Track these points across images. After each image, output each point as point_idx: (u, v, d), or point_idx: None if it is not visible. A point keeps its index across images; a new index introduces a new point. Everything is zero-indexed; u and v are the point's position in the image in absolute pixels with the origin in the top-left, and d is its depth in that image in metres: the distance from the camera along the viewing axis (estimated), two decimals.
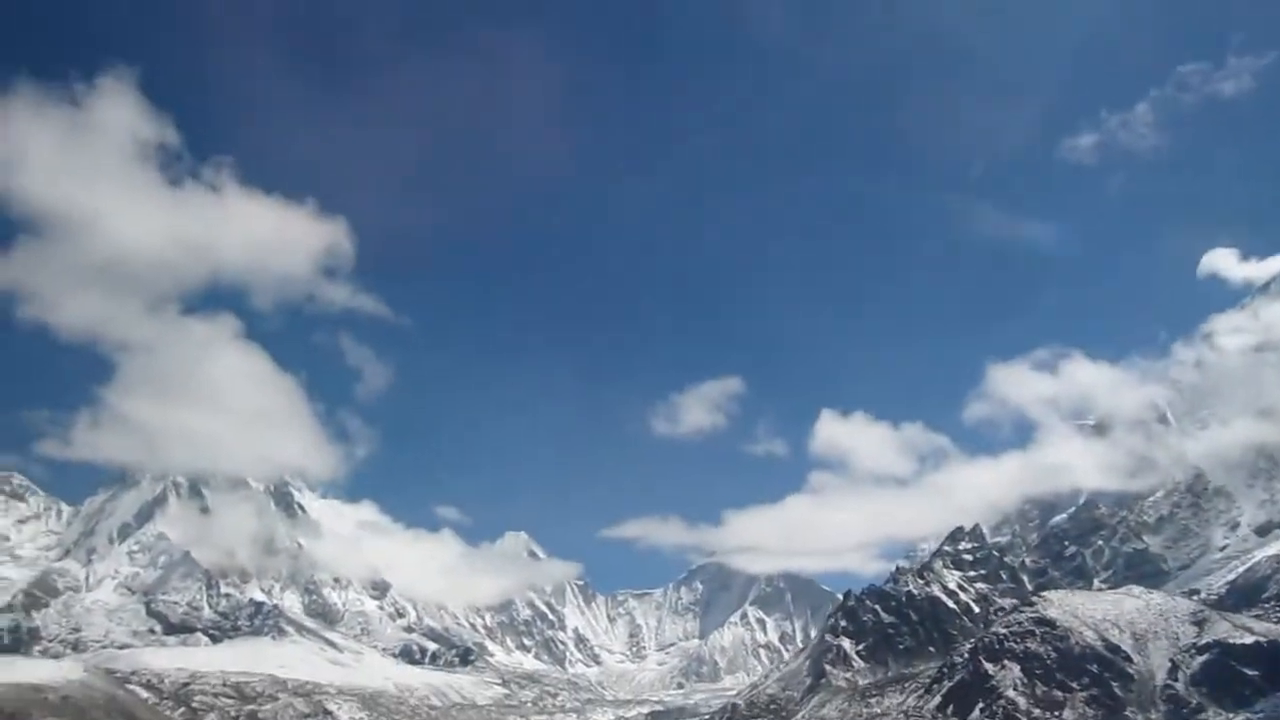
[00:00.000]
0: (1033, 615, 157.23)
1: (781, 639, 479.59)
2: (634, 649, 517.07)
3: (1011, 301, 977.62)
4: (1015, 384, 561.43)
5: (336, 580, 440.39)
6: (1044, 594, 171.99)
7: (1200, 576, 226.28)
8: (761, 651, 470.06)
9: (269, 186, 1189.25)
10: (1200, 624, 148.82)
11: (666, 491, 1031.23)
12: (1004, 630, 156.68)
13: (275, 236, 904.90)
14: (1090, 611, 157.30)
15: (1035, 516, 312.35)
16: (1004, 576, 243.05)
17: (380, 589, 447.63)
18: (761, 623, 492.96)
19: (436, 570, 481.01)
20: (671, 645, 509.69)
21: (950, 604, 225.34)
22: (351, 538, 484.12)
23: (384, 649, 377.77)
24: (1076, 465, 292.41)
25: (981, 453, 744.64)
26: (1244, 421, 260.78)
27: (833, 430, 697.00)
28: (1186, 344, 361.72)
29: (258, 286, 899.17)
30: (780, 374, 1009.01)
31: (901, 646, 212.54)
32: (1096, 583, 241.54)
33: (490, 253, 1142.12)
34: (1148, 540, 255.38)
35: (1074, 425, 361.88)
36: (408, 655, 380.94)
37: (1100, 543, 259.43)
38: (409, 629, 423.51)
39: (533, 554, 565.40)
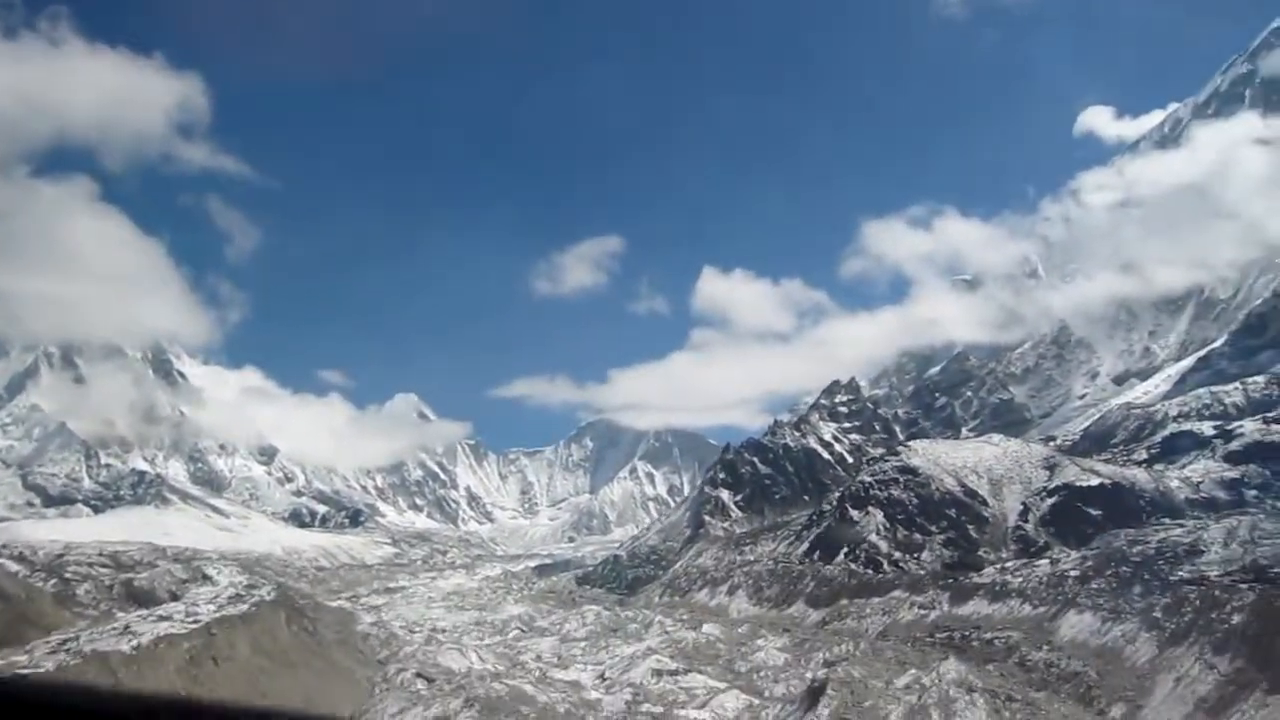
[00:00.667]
0: (897, 464, 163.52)
1: (670, 492, 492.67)
2: (526, 506, 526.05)
3: (886, 158, 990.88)
4: (891, 240, 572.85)
5: (222, 447, 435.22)
6: (909, 444, 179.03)
7: (1060, 424, 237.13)
8: (650, 504, 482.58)
9: (112, 38, 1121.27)
10: (1051, 469, 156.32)
11: (552, 351, 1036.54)
12: (869, 479, 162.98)
13: (123, 93, 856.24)
14: (952, 459, 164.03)
15: (912, 370, 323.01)
16: (877, 428, 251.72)
17: (268, 454, 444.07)
18: (650, 477, 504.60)
19: (325, 434, 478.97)
20: (563, 501, 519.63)
21: (825, 455, 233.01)
22: (236, 404, 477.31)
23: (273, 513, 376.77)
24: (950, 319, 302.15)
25: (859, 308, 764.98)
26: (1107, 275, 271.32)
27: (714, 287, 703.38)
28: (1054, 200, 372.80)
29: (108, 146, 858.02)
30: (660, 232, 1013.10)
31: (778, 496, 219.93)
32: (965, 431, 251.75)
33: (362, 111, 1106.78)
34: (1014, 390, 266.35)
35: (948, 280, 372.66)
36: (297, 519, 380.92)
37: (969, 394, 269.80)
38: (298, 493, 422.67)
39: (423, 415, 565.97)
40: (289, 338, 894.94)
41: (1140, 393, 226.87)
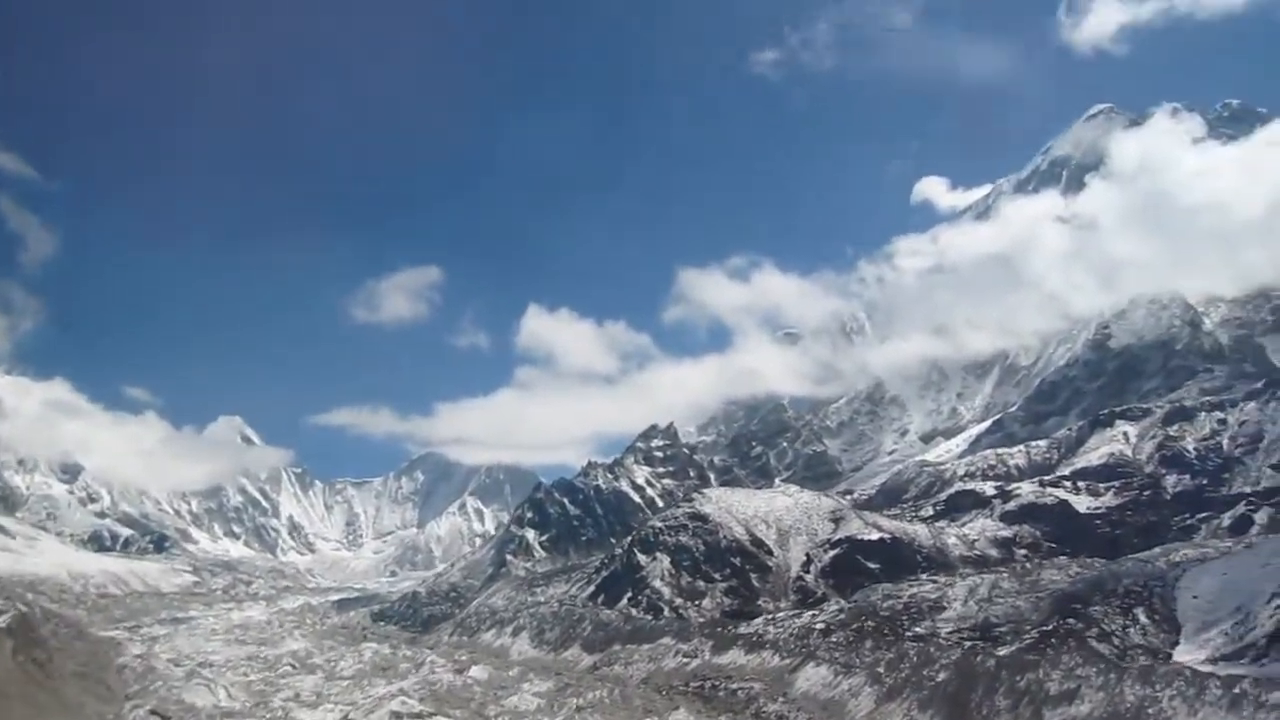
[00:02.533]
0: (689, 510, 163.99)
1: (498, 528, 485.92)
2: (350, 538, 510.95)
3: (706, 209, 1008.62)
4: (711, 290, 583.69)
5: (20, 462, 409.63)
6: (703, 491, 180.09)
7: (868, 478, 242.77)
8: (478, 540, 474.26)
9: None
10: (837, 521, 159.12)
11: (372, 380, 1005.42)
12: (660, 524, 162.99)
13: None
14: (744, 508, 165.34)
15: (740, 418, 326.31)
16: (692, 474, 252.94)
17: (71, 472, 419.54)
18: (479, 513, 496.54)
19: (137, 453, 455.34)
20: (389, 534, 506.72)
21: (636, 498, 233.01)
22: (38, 417, 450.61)
23: (70, 535, 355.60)
24: (771, 371, 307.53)
25: (683, 354, 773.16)
26: (920, 337, 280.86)
27: (538, 325, 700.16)
28: (872, 262, 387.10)
29: None
30: (481, 266, 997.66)
31: (584, 538, 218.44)
32: (778, 481, 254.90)
33: (157, 113, 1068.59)
34: (827, 443, 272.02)
35: (768, 332, 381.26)
36: (97, 542, 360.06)
37: (785, 444, 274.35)
38: (101, 514, 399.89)
39: (246, 439, 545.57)
40: (99, 351, 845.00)
41: (943, 451, 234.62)
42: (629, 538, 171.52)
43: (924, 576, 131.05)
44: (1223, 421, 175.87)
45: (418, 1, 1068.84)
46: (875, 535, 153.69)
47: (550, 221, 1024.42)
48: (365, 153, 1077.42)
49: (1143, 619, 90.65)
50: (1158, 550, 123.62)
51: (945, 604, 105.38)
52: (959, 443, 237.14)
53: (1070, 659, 76.24)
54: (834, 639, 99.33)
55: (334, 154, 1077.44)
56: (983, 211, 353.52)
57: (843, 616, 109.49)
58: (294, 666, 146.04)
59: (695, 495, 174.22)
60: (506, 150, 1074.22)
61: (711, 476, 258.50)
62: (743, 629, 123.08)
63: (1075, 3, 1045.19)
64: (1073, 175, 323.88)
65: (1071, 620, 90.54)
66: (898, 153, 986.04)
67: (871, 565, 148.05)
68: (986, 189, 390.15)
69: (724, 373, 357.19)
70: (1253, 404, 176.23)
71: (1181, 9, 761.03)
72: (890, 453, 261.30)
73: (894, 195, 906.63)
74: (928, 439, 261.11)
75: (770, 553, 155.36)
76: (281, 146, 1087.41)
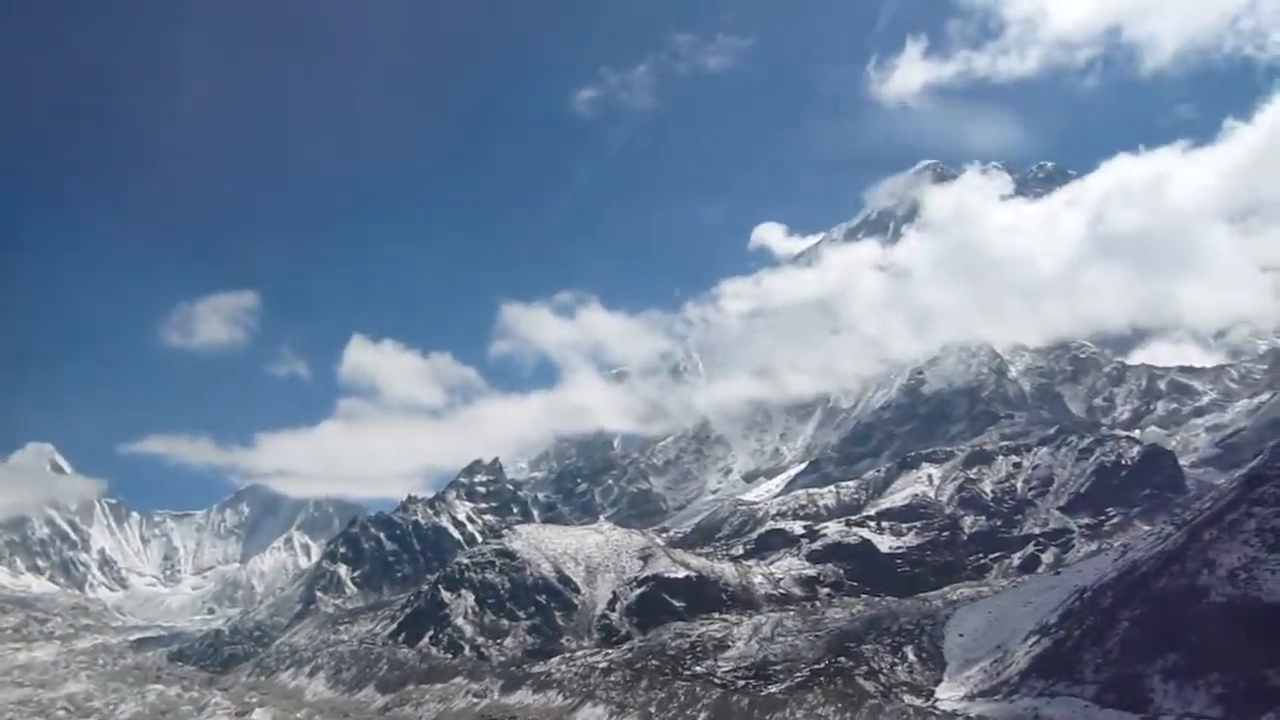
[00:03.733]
0: (497, 547, 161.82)
1: None
2: (168, 572, 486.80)
3: (532, 244, 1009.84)
4: (537, 325, 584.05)
5: None
6: (514, 527, 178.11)
7: (691, 517, 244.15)
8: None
9: None
10: (646, 559, 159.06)
11: (190, 408, 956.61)
12: (467, 560, 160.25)
13: None
14: (554, 545, 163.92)
15: (573, 454, 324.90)
16: (515, 510, 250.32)
17: None
18: (306, 548, 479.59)
19: None
20: (209, 569, 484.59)
21: (456, 535, 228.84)
22: None
23: None
24: (599, 408, 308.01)
25: (511, 389, 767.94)
26: (746, 378, 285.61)
27: (362, 356, 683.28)
28: (697, 304, 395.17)
29: None
30: (300, 293, 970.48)
31: (400, 574, 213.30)
32: (602, 518, 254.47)
33: None
34: (653, 481, 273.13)
35: (596, 369, 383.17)
36: None
37: (611, 482, 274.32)
38: None
39: (57, 468, 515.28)
40: None
41: (763, 491, 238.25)
42: (435, 575, 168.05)
43: (716, 615, 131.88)
44: (1018, 465, 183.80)
45: (240, 18, 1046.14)
46: (682, 573, 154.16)
47: (374, 250, 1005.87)
48: (180, 171, 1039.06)
49: (911, 657, 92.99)
50: (946, 589, 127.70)
51: (730, 643, 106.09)
52: (779, 483, 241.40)
53: (815, 698, 77.34)
54: (613, 679, 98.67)
55: (146, 171, 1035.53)
56: (814, 259, 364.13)
57: (629, 655, 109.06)
58: (68, 711, 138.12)
59: (506, 532, 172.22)
60: (329, 177, 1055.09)
61: (535, 513, 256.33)
62: (536, 668, 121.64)
63: (884, 59, 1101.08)
64: (893, 225, 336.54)
65: (843, 659, 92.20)
66: (724, 197, 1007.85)
67: (676, 603, 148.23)
68: (820, 236, 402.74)
69: (553, 409, 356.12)
70: (1045, 449, 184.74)
71: (979, 71, 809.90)
72: (714, 491, 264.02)
73: (731, 239, 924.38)
74: (750, 478, 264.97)
75: (577, 590, 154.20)
76: (92, 162, 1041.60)
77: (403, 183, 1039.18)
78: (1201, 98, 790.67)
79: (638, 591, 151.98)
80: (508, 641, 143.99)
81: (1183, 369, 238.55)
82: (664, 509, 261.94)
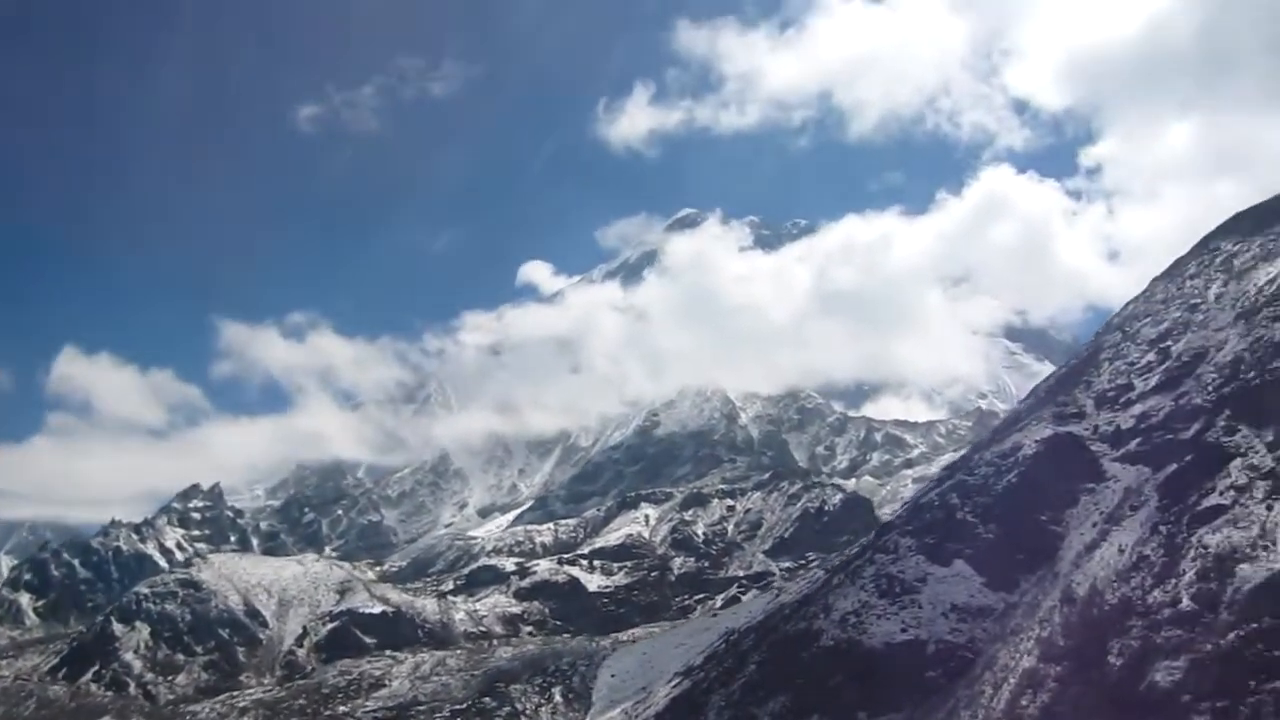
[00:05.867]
0: (182, 576, 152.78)
1: None
2: None
3: (257, 262, 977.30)
4: (263, 345, 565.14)
5: None
6: (208, 556, 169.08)
7: (421, 551, 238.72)
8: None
9: None
10: (343, 593, 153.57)
11: None
12: (146, 590, 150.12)
13: None
14: (248, 576, 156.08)
15: (313, 482, 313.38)
16: (233, 539, 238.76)
17: None
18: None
19: None
20: None
21: (163, 563, 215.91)
22: None
23: None
24: (335, 436, 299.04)
25: (240, 412, 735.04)
26: (487, 413, 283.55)
27: (74, 369, 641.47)
28: (437, 335, 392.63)
29: None
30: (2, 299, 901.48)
31: (91, 604, 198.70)
32: (328, 550, 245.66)
33: None
34: (385, 513, 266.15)
35: (332, 396, 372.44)
36: None
37: (340, 513, 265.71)
38: None
39: None
40: None
41: (494, 526, 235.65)
42: (109, 606, 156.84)
43: (387, 652, 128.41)
44: (731, 508, 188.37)
45: None
46: (379, 609, 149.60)
47: (87, 259, 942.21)
48: None
49: (558, 697, 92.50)
50: (634, 630, 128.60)
51: (387, 681, 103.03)
52: (511, 519, 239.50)
53: None
54: (249, 718, 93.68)
55: None
56: (558, 297, 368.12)
57: (281, 695, 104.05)
58: None
59: (196, 560, 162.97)
60: (37, 182, 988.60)
61: (255, 543, 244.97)
62: (198, 707, 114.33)
63: (613, 101, 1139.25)
64: (633, 269, 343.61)
65: (489, 699, 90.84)
66: (463, 227, 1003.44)
67: (368, 639, 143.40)
68: (578, 277, 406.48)
69: (286, 435, 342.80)
70: (758, 494, 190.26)
71: (700, 121, 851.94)
72: (447, 526, 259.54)
73: (474, 271, 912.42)
74: (486, 514, 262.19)
75: (265, 624, 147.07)
76: None
77: (119, 188, 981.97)
78: (909, 167, 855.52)
79: (329, 626, 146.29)
80: (180, 679, 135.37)
81: (898, 423, 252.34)
82: (394, 542, 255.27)
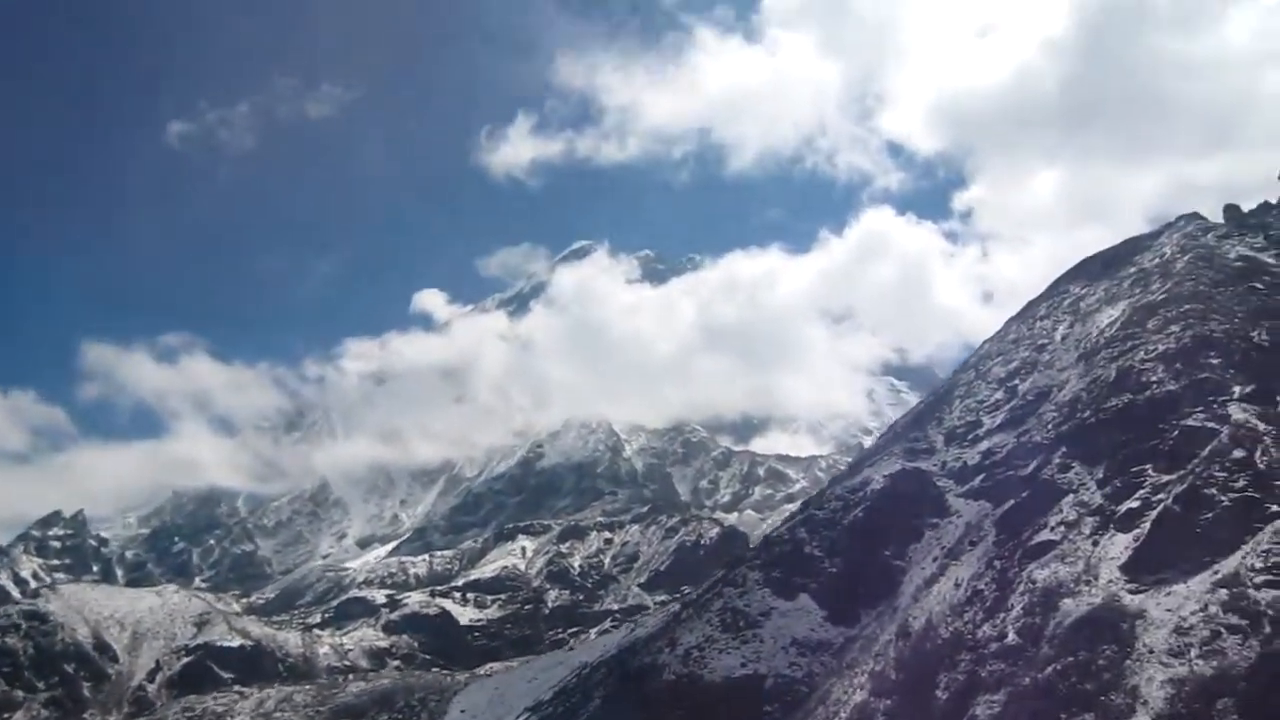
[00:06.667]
0: (27, 608, 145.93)
1: None
2: None
3: (124, 282, 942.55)
4: (133, 369, 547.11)
5: None
6: (58, 587, 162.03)
7: (297, 582, 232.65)
8: None
9: None
10: (202, 625, 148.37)
11: None
12: None
13: None
14: (100, 608, 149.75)
15: (192, 508, 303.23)
16: (95, 569, 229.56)
17: None
18: None
19: None
20: None
21: (16, 593, 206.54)
22: None
23: None
24: (211, 462, 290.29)
25: (109, 436, 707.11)
26: (369, 441, 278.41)
27: None
28: (317, 362, 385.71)
29: None
30: None
31: None
32: (198, 580, 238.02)
33: None
34: (261, 543, 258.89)
35: (206, 421, 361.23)
36: None
37: (213, 542, 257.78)
38: None
39: None
40: None
41: (372, 557, 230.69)
42: None
43: (235, 688, 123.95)
44: (609, 541, 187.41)
45: None
46: (238, 642, 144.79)
47: None
48: None
49: None
50: (497, 664, 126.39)
51: (230, 717, 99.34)
52: (391, 549, 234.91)
53: None
54: None
55: None
56: (444, 327, 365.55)
57: None
58: None
59: (44, 591, 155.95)
60: None
61: (120, 573, 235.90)
62: None
63: (496, 129, 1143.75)
64: (523, 299, 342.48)
65: None
66: (344, 252, 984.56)
67: (225, 674, 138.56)
68: (471, 307, 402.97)
69: (160, 461, 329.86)
70: (637, 527, 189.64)
71: (581, 152, 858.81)
72: (325, 556, 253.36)
73: (358, 297, 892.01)
74: (365, 544, 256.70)
75: (115, 659, 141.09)
76: None
77: None
78: (790, 205, 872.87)
79: (184, 661, 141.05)
80: (19, 716, 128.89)
81: (780, 457, 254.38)
82: (269, 573, 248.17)
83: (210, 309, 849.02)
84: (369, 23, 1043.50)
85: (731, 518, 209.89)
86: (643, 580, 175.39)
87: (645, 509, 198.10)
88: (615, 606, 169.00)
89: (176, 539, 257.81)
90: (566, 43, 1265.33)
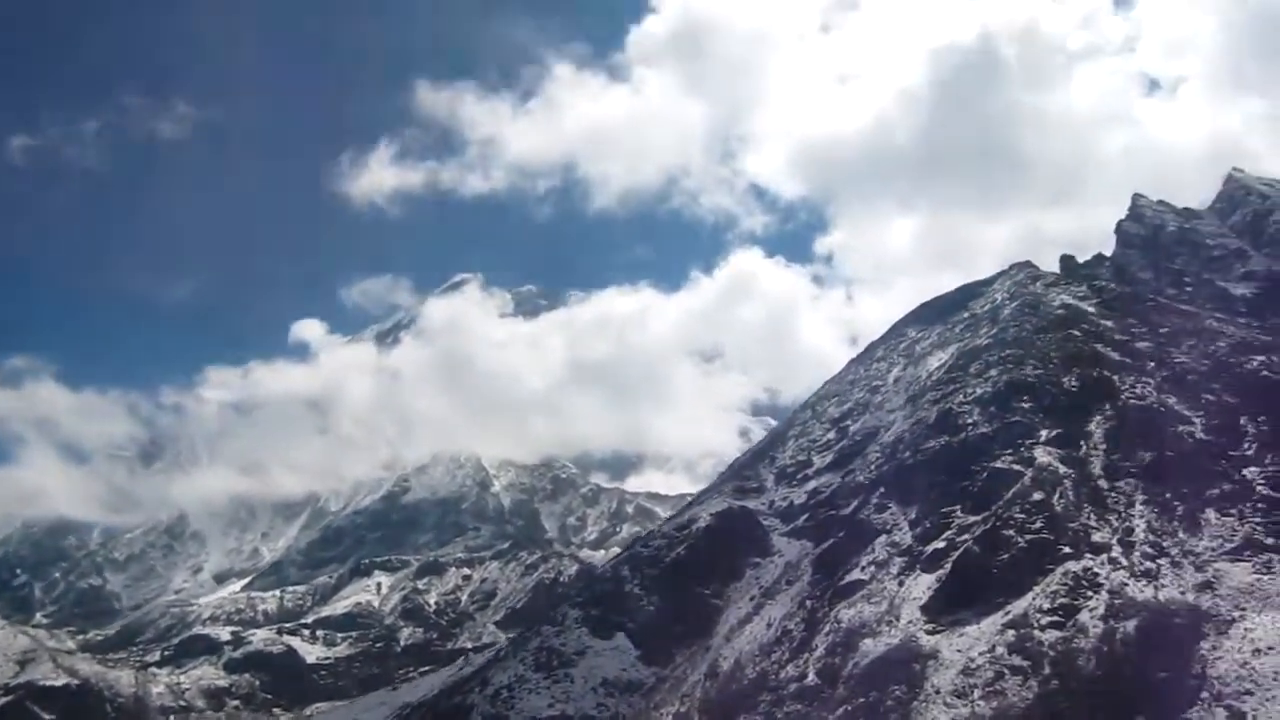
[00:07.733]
0: None
1: None
2: None
3: None
4: None
5: None
6: None
7: (140, 618, 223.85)
8: None
9: None
10: (25, 663, 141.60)
11: None
12: None
13: None
14: None
15: (40, 539, 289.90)
16: None
17: None
18: None
19: None
20: None
21: None
22: None
23: None
24: (59, 492, 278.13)
25: None
26: (230, 472, 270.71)
27: None
28: (175, 390, 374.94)
29: None
30: None
31: None
32: (39, 615, 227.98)
33: None
34: (109, 577, 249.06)
35: (55, 449, 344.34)
36: None
37: (57, 575, 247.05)
38: None
39: None
40: None
41: (227, 593, 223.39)
42: None
43: None
44: (467, 578, 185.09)
45: None
46: (64, 681, 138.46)
47: None
48: None
49: None
50: (324, 705, 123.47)
51: None
52: (249, 583, 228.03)
53: None
54: None
55: None
56: (310, 356, 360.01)
57: None
58: None
59: None
60: None
61: None
62: None
63: (358, 156, 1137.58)
64: (392, 331, 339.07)
65: None
66: (207, 273, 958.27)
67: (48, 716, 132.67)
68: (350, 337, 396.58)
69: (5, 489, 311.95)
70: (496, 563, 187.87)
71: (445, 183, 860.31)
72: (179, 591, 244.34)
73: (217, 321, 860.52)
74: (223, 579, 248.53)
75: None
76: None
77: None
78: (657, 243, 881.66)
79: (3, 700, 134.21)
80: None
81: (650, 495, 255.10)
82: (117, 609, 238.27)
83: (58, 333, 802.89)
84: (224, 41, 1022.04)
85: (598, 555, 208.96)
86: (499, 618, 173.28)
87: (507, 545, 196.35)
88: (470, 644, 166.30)
89: (19, 571, 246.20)
90: (427, 73, 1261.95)
